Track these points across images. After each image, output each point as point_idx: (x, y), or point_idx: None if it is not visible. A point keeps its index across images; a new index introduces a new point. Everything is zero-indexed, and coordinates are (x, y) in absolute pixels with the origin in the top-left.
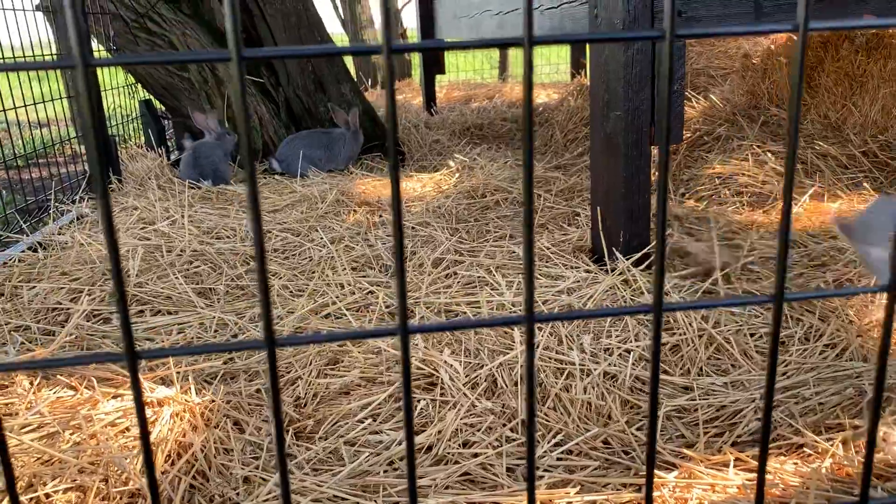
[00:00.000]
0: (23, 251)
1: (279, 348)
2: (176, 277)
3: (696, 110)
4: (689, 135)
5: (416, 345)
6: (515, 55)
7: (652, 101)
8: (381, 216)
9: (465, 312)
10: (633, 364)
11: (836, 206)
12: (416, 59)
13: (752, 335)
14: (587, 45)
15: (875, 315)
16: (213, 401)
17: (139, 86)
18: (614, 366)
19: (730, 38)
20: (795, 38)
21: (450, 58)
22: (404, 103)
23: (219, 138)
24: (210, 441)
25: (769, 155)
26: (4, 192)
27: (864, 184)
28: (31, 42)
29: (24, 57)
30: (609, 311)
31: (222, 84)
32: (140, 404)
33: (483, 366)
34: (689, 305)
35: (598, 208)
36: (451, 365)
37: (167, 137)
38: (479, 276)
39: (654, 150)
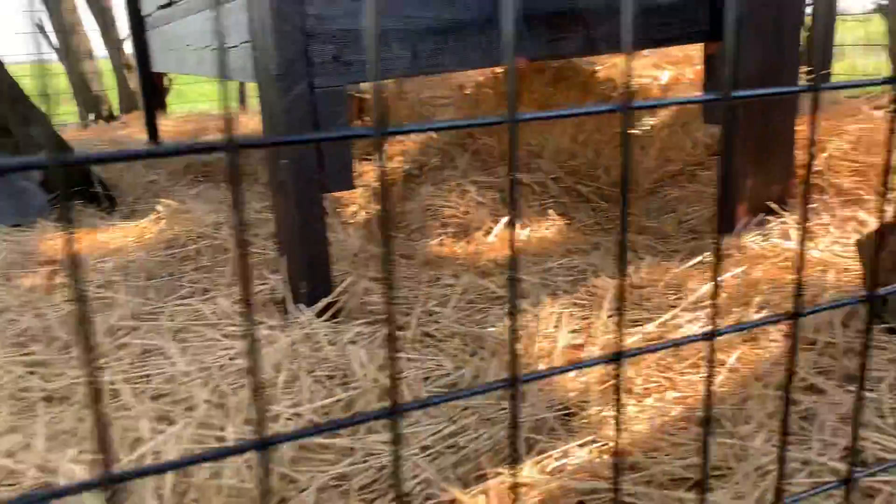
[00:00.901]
0: None
1: None
2: None
3: (415, 142)
4: (407, 167)
5: (35, 448)
6: (253, 87)
7: (318, 148)
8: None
9: (135, 388)
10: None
11: (525, 233)
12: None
13: (426, 379)
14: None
15: (536, 346)
16: None
17: None
18: (280, 434)
19: (451, 70)
20: (499, 70)
21: (191, 87)
22: (126, 139)
23: None
24: None
25: (471, 186)
26: None
27: (551, 210)
28: None
29: None
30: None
31: None
32: None
33: (120, 459)
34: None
35: (285, 258)
36: (74, 469)
37: None
38: (154, 345)
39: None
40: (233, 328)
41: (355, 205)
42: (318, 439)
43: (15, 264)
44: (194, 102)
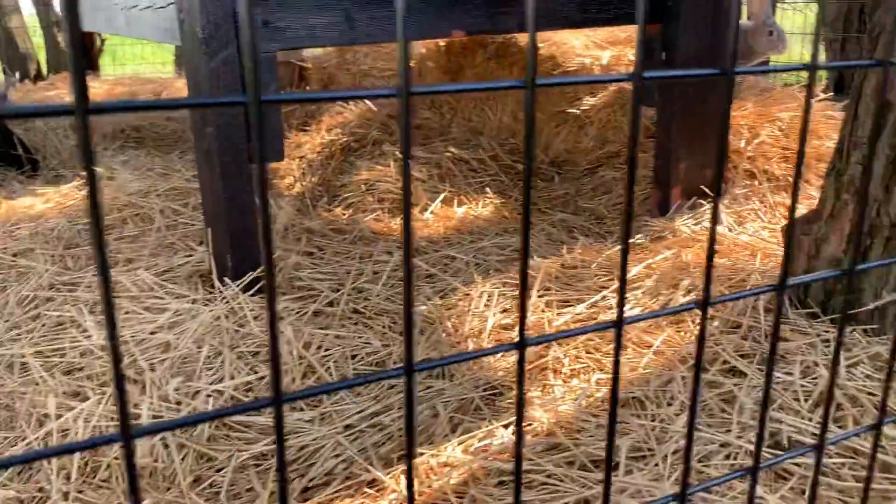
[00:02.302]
0: None
1: None
2: None
3: (354, 114)
4: (345, 139)
5: None
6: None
7: (246, 116)
8: None
9: (47, 361)
10: (222, 406)
11: (462, 210)
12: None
13: (353, 356)
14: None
15: (467, 325)
16: None
17: None
18: (198, 411)
19: (385, 41)
20: (442, 43)
21: (128, 49)
22: (52, 99)
23: None
24: None
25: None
26: None
27: (488, 188)
28: None
29: None
30: None
31: None
32: None
33: (24, 438)
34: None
35: (210, 229)
36: None
37: None
38: (70, 317)
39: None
40: (153, 301)
41: (291, 177)
42: (239, 417)
43: None
44: (134, 63)
